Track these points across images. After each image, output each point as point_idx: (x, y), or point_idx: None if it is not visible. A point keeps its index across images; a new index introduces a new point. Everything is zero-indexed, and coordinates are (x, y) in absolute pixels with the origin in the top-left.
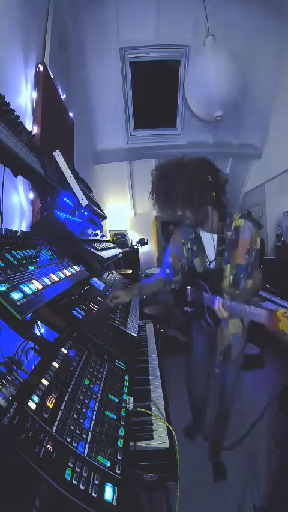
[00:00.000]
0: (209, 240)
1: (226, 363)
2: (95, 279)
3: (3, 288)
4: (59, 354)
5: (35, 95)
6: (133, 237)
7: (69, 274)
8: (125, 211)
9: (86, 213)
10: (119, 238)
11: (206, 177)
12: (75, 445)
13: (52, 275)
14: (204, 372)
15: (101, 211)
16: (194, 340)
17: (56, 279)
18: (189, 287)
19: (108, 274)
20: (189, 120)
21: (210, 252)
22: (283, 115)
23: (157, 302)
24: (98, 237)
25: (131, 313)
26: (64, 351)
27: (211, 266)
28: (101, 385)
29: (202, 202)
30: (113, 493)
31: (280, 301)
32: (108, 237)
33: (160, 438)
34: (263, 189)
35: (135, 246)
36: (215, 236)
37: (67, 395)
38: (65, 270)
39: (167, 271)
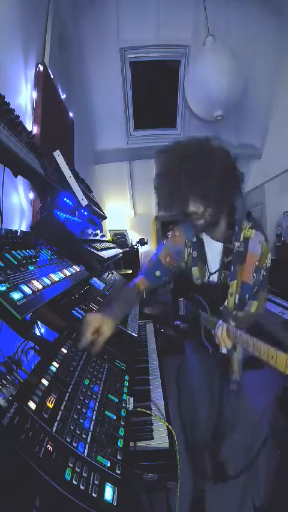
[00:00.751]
0: (212, 249)
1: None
2: (95, 279)
3: (3, 288)
4: (59, 354)
5: (35, 95)
6: (133, 237)
7: (69, 274)
8: (125, 211)
9: (86, 213)
10: (119, 238)
11: (237, 170)
12: (75, 445)
13: (52, 275)
14: (205, 403)
15: (101, 211)
16: (190, 367)
17: (56, 279)
18: (182, 299)
19: (108, 274)
20: (189, 120)
21: (211, 263)
22: (283, 115)
23: (157, 302)
24: (98, 237)
25: (131, 313)
26: (64, 351)
27: (210, 279)
28: (101, 385)
29: (227, 200)
30: (113, 493)
31: (280, 301)
32: (108, 237)
33: (160, 438)
34: (263, 189)
35: (135, 246)
36: (218, 245)
37: (67, 395)
38: (65, 270)
39: (158, 273)
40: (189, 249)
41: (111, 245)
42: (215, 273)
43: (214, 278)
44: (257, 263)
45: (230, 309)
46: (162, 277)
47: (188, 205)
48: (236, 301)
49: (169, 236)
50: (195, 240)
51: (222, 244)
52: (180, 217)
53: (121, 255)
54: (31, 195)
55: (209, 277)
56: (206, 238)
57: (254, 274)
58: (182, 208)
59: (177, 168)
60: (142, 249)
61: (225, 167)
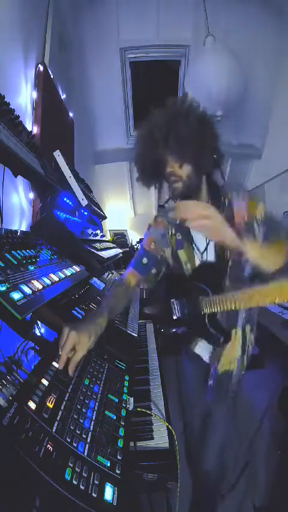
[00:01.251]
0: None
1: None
2: (95, 279)
3: (3, 288)
4: (59, 354)
5: (35, 95)
6: (133, 237)
7: (69, 274)
8: (125, 211)
9: (86, 213)
10: (119, 238)
11: (214, 129)
12: (75, 445)
13: (52, 275)
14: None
15: (101, 211)
16: (188, 385)
17: (56, 279)
18: (174, 300)
19: (108, 274)
20: None
21: (199, 241)
22: (283, 115)
23: (156, 299)
24: (98, 237)
25: (131, 313)
26: None
27: (202, 259)
28: (101, 385)
29: (204, 158)
30: (113, 493)
31: None
32: (108, 237)
33: (160, 438)
34: (263, 189)
35: (135, 246)
36: None
37: (67, 395)
38: (65, 270)
39: (145, 260)
40: (171, 230)
41: (111, 245)
42: (204, 250)
43: (204, 259)
44: (245, 218)
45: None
46: (150, 265)
47: (165, 165)
48: (230, 263)
49: (151, 224)
50: (178, 222)
51: None
52: (159, 181)
53: (121, 255)
54: (31, 195)
55: (201, 257)
56: None
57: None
58: (159, 171)
59: (152, 128)
60: None
61: (201, 122)
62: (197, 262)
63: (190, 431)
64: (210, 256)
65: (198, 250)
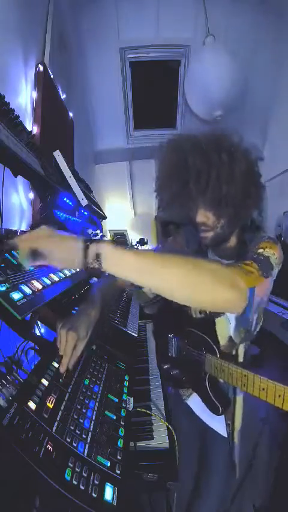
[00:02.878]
0: None
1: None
2: (95, 279)
3: (3, 288)
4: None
5: (35, 95)
6: (133, 237)
7: (69, 274)
8: (125, 211)
9: (86, 213)
10: (119, 238)
11: (259, 175)
12: (75, 445)
13: (52, 275)
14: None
15: (101, 211)
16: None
17: (56, 279)
18: (172, 336)
19: (109, 274)
20: (189, 120)
21: None
22: (283, 115)
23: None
24: (98, 237)
25: (131, 313)
26: None
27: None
28: (101, 385)
29: (246, 211)
30: (113, 493)
31: (280, 301)
32: (108, 237)
33: (160, 438)
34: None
35: (135, 246)
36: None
37: (67, 395)
38: (65, 270)
39: None
40: None
41: None
42: None
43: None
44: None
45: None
46: None
47: (196, 213)
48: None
49: (169, 240)
50: (197, 250)
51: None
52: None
53: None
54: (31, 195)
55: None
56: (210, 254)
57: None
58: (188, 217)
59: (186, 165)
60: (142, 249)
61: (248, 168)
62: None
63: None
64: None
65: None
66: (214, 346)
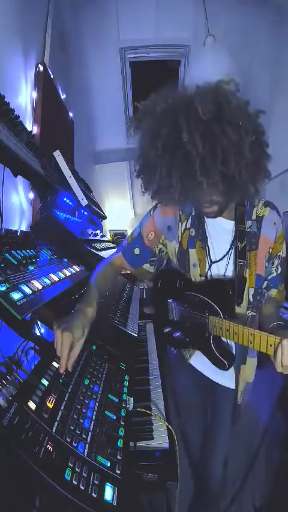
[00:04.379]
0: (215, 228)
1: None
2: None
3: (3, 288)
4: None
5: (35, 95)
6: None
7: (69, 274)
8: (125, 211)
9: (86, 213)
10: (119, 238)
11: (266, 144)
12: (75, 445)
13: (52, 275)
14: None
15: (101, 211)
16: (182, 392)
17: (56, 279)
18: (171, 301)
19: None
20: None
21: (215, 246)
22: (283, 115)
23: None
24: (98, 237)
25: (131, 313)
26: None
27: (211, 269)
28: (101, 385)
29: (252, 183)
30: (113, 493)
31: None
32: (108, 237)
33: (160, 438)
34: (263, 189)
35: None
36: (224, 223)
37: (67, 395)
38: (65, 270)
39: (137, 251)
40: (184, 223)
41: (111, 245)
42: (219, 260)
43: (217, 269)
44: (270, 250)
45: (243, 309)
46: (142, 258)
47: (200, 193)
48: (251, 299)
49: (158, 205)
50: (193, 213)
51: (233, 223)
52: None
53: None
54: (31, 195)
55: (210, 266)
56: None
57: (266, 264)
58: (189, 197)
59: (182, 145)
60: None
61: (255, 137)
62: (207, 267)
63: (189, 432)
64: (226, 270)
65: (209, 256)
66: (217, 309)
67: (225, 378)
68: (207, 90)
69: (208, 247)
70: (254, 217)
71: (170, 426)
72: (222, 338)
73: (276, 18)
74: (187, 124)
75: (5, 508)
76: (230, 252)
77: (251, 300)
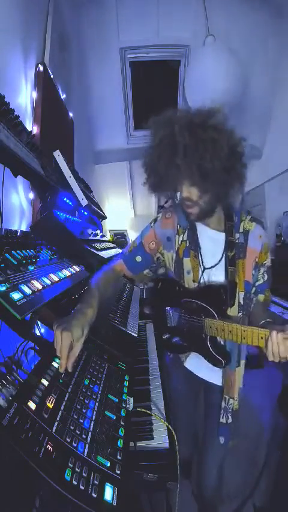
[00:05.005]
0: (206, 239)
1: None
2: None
3: (3, 288)
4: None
5: (35, 95)
6: (133, 237)
7: (69, 274)
8: (125, 211)
9: (86, 213)
10: (119, 238)
11: (242, 153)
12: (75, 445)
13: (52, 275)
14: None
15: (101, 211)
16: (178, 394)
17: (56, 279)
18: (169, 308)
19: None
20: None
21: (206, 256)
22: (283, 115)
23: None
24: (98, 237)
25: (131, 313)
26: None
27: (203, 275)
28: (101, 385)
29: (229, 187)
30: (113, 493)
31: (280, 301)
32: (108, 237)
33: (160, 438)
34: (263, 189)
35: None
36: (214, 235)
37: (67, 395)
38: (65, 270)
39: (138, 258)
40: (181, 236)
41: (111, 245)
42: (211, 268)
43: (208, 276)
44: (256, 259)
45: (234, 311)
46: (143, 265)
47: (181, 188)
48: (242, 301)
49: (158, 219)
50: (188, 226)
51: (224, 234)
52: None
53: None
54: (31, 195)
55: (202, 273)
56: (199, 225)
57: (253, 272)
58: (174, 187)
59: (173, 140)
60: None
61: (233, 146)
62: (199, 274)
63: (186, 434)
64: (217, 276)
65: (202, 264)
66: (212, 311)
67: (219, 379)
68: (201, 112)
69: (201, 256)
70: (241, 229)
71: (170, 426)
72: (217, 338)
73: (276, 18)
74: (180, 129)
75: (5, 508)
76: (221, 260)
77: (241, 302)
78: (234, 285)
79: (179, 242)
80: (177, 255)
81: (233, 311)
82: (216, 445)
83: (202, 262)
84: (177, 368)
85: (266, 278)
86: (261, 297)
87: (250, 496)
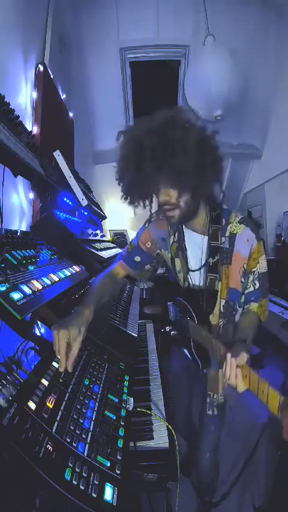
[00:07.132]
0: (191, 242)
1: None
2: (94, 279)
3: (3, 288)
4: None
5: (35, 95)
6: (133, 237)
7: (69, 274)
8: (125, 211)
9: (86, 213)
10: (119, 238)
11: (215, 147)
12: (75, 445)
13: (52, 275)
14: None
15: (101, 211)
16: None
17: (56, 279)
18: (170, 303)
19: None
20: None
21: (191, 258)
22: (283, 115)
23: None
24: (98, 237)
25: (131, 313)
26: None
27: (190, 277)
28: (101, 385)
29: (205, 183)
30: (113, 493)
31: (280, 300)
32: (108, 237)
33: (160, 438)
34: (263, 189)
35: None
36: (199, 238)
37: (67, 395)
38: (65, 270)
39: (137, 258)
40: (172, 237)
41: (111, 245)
42: (195, 271)
43: (194, 278)
44: (244, 265)
45: (215, 318)
46: (143, 263)
47: (157, 192)
48: (222, 309)
49: (152, 220)
50: (176, 229)
51: (206, 238)
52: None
53: None
54: (31, 195)
55: (187, 274)
56: (185, 228)
57: (242, 279)
58: (151, 195)
59: (140, 146)
60: None
61: (202, 140)
62: (185, 275)
63: (185, 430)
64: (200, 281)
65: (187, 265)
66: (192, 313)
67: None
68: (165, 113)
69: (187, 257)
70: (227, 233)
71: (170, 426)
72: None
73: (276, 18)
74: (145, 133)
75: (5, 508)
76: (203, 264)
77: (222, 310)
78: (214, 294)
79: (171, 242)
80: (171, 254)
81: (213, 318)
82: (207, 432)
83: (187, 264)
84: (180, 358)
85: (257, 286)
86: (254, 306)
87: (239, 477)
